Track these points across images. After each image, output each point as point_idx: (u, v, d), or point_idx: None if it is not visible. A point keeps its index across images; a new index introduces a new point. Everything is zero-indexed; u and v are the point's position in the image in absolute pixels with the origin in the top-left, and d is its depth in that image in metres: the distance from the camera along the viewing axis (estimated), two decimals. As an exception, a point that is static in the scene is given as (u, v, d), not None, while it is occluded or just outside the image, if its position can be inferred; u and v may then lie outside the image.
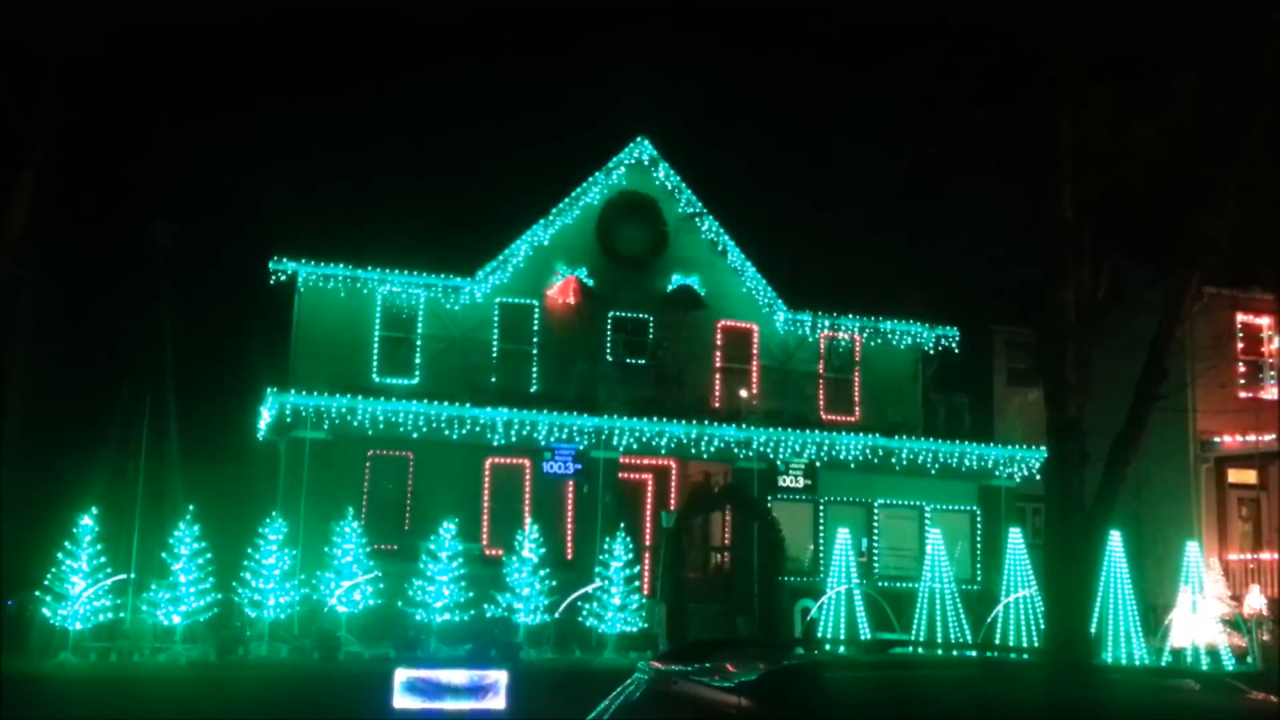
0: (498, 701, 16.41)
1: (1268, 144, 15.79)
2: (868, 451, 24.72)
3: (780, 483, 24.42)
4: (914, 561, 23.97)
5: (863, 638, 19.89)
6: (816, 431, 24.76)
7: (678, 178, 26.24)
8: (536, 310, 25.30)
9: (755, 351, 26.52)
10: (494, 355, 24.96)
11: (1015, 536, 22.06)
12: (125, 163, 29.12)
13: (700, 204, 26.27)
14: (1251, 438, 25.62)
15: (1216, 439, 26.14)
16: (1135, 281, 17.06)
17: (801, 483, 24.56)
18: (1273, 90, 15.61)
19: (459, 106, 37.82)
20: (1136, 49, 16.09)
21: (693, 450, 23.91)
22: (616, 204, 25.91)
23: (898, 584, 23.68)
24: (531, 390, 24.72)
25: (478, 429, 22.71)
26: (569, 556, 23.15)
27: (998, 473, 25.53)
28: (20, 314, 23.57)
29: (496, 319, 25.08)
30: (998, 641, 20.50)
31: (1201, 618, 21.51)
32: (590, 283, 25.39)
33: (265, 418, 23.40)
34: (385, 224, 24.74)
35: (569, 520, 23.77)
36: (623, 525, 22.01)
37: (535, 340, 25.19)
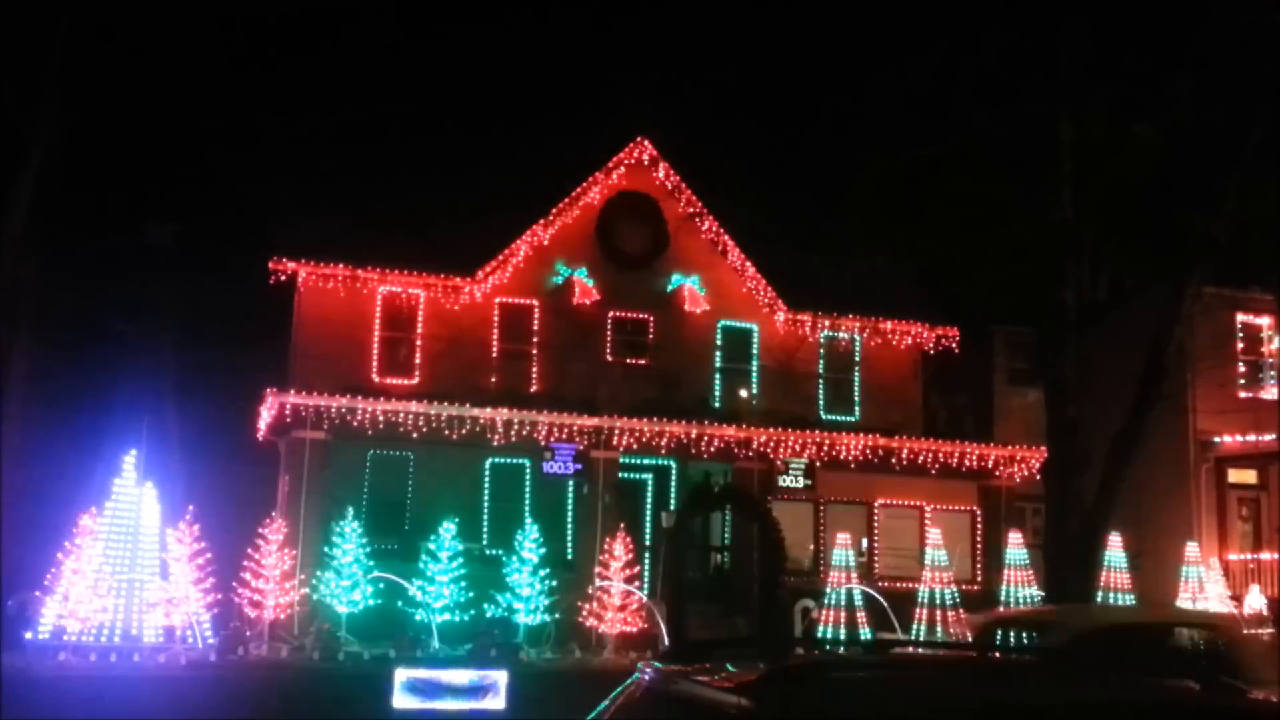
0: (497, 701, 16.42)
1: (1268, 144, 15.79)
2: (868, 451, 24.72)
3: (780, 483, 24.42)
4: (914, 561, 23.97)
5: (863, 638, 19.89)
6: (816, 431, 24.77)
7: (678, 177, 26.23)
8: (536, 310, 25.29)
9: (755, 351, 26.51)
10: (494, 355, 24.95)
11: (1015, 536, 22.05)
12: (125, 162, 29.10)
13: (700, 204, 26.26)
14: (1251, 438, 25.61)
15: (1216, 439, 26.13)
16: (1135, 281, 17.04)
17: (801, 483, 24.55)
18: (1273, 90, 15.62)
19: (459, 106, 37.85)
20: (1136, 49, 16.09)
21: (693, 450, 23.91)
22: (617, 204, 25.90)
23: (898, 584, 23.66)
24: (531, 390, 24.71)
25: (478, 429, 22.71)
26: (569, 556, 23.15)
27: (998, 473, 25.53)
28: (20, 314, 23.57)
29: (496, 319, 25.08)
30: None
31: (1201, 618, 21.49)
32: (590, 283, 25.38)
33: (265, 418, 23.40)
34: (385, 223, 24.67)
35: (569, 520, 23.77)
36: (623, 525, 22.02)
37: (535, 340, 25.18)
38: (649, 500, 24.67)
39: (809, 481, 24.59)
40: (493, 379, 24.59)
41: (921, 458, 25.06)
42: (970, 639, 9.14)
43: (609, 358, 25.38)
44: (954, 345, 27.45)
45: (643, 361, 25.53)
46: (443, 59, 42.27)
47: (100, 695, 15.18)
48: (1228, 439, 26.01)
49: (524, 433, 22.93)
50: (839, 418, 26.43)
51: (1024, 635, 8.65)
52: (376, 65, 38.93)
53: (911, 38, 17.08)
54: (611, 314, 25.61)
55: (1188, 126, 15.83)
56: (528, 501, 23.55)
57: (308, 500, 21.82)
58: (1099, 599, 19.84)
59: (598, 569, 21.14)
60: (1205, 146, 16.39)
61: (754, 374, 26.39)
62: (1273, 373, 27.14)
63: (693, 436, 23.82)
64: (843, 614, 20.92)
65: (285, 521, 20.69)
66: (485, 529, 23.14)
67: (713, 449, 23.96)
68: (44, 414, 25.28)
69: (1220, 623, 11.74)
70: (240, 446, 26.51)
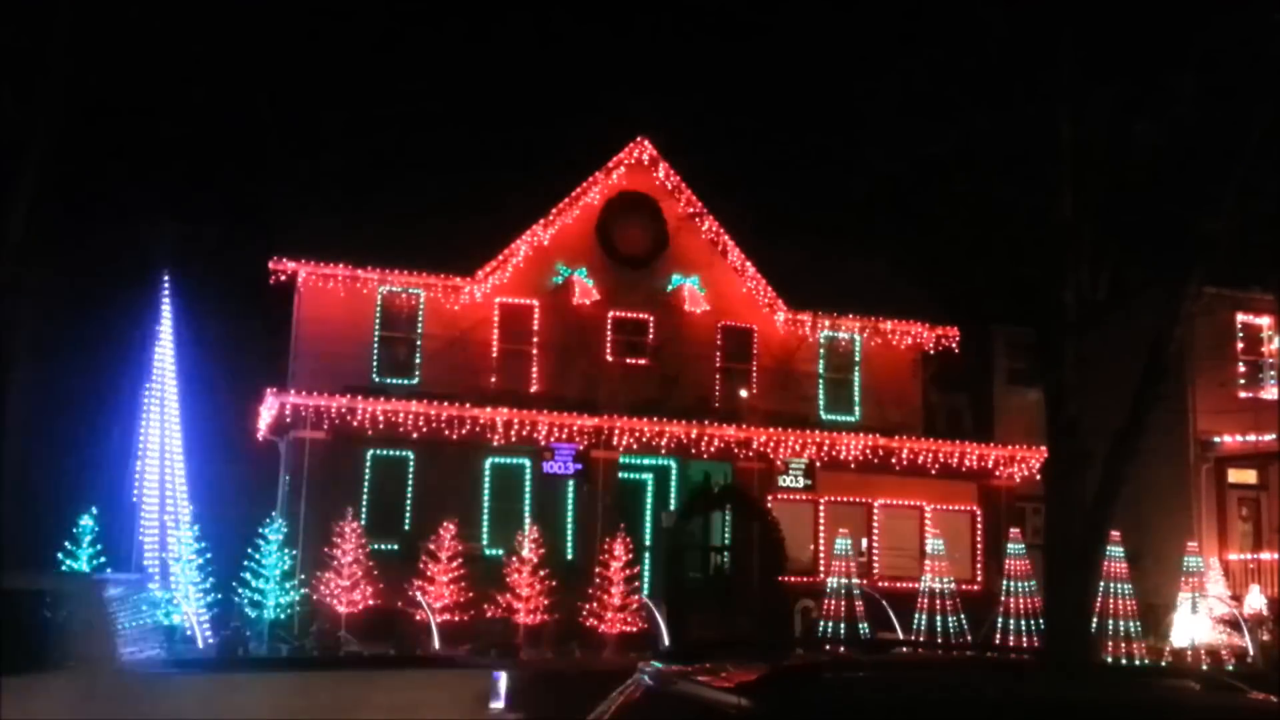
0: (497, 702, 16.37)
1: (1268, 144, 15.78)
2: (868, 451, 24.72)
3: (780, 483, 24.43)
4: (914, 561, 23.98)
5: (863, 638, 19.90)
6: (816, 431, 24.76)
7: (678, 177, 26.23)
8: (536, 310, 25.29)
9: (755, 351, 26.51)
10: (494, 355, 24.95)
11: (1015, 536, 22.06)
12: (125, 163, 29.09)
13: (700, 204, 26.26)
14: (1251, 438, 25.61)
15: (1216, 439, 26.13)
16: (1135, 282, 17.03)
17: (801, 483, 24.56)
18: (1273, 90, 15.61)
19: (460, 106, 37.87)
20: (1136, 49, 16.08)
21: (693, 450, 23.90)
22: (617, 204, 25.90)
23: (898, 584, 23.67)
24: (531, 390, 24.71)
25: (478, 429, 22.71)
26: (569, 556, 23.15)
27: (998, 473, 25.53)
28: (20, 314, 23.54)
29: (496, 319, 25.08)
30: (998, 641, 20.50)
31: (1201, 618, 21.52)
32: (590, 283, 25.39)
33: (265, 418, 23.40)
34: (385, 223, 24.67)
35: (569, 520, 23.77)
36: (623, 525, 22.02)
37: (535, 340, 25.18)
38: (649, 500, 24.68)
39: (809, 481, 24.59)
40: (493, 379, 24.59)
41: (921, 458, 25.06)
42: None
43: (609, 358, 25.39)
44: (954, 345, 27.46)
45: (643, 361, 25.53)
46: (444, 59, 42.31)
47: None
48: (1228, 439, 26.01)
49: (524, 433, 22.93)
50: (839, 418, 26.44)
51: None
52: (376, 65, 38.96)
53: (911, 38, 17.06)
54: (611, 314, 25.62)
55: (1188, 126, 15.82)
56: (528, 501, 23.55)
57: (308, 500, 21.83)
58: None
59: (598, 569, 21.14)
60: (1205, 146, 16.38)
61: (754, 374, 26.39)
62: (1273, 373, 27.14)
63: (693, 436, 23.82)
64: (843, 614, 20.92)
65: (285, 521, 20.69)
66: (485, 529, 23.14)
67: (713, 449, 23.96)
68: (44, 414, 25.25)
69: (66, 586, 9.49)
70: (240, 446, 26.49)
